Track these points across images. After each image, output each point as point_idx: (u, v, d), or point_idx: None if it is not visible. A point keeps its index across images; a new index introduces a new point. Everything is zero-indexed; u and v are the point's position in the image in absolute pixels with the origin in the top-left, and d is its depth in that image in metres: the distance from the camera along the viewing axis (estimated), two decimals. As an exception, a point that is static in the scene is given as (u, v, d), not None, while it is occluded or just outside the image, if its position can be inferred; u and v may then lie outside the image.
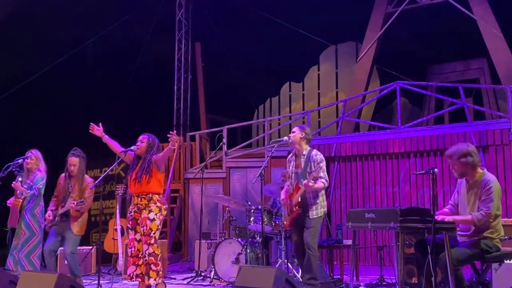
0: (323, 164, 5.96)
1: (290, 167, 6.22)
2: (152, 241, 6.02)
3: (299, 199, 5.98)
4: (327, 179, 5.98)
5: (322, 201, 6.02)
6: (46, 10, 13.43)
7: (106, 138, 6.38)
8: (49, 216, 6.63)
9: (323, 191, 6.06)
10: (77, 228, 6.60)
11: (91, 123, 6.34)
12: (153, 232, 6.03)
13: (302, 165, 6.05)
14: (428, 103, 14.27)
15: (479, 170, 5.10)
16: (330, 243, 7.59)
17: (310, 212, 5.95)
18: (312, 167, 5.94)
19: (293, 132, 6.18)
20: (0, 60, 13.18)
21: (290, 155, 6.31)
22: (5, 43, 13.46)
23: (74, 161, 6.68)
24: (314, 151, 6.10)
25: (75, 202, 6.45)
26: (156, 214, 6.07)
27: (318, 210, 5.97)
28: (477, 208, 4.96)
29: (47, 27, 13.63)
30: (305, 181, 5.85)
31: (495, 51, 11.64)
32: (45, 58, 14.16)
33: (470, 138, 9.11)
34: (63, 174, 6.82)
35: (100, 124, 6.37)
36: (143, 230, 6.03)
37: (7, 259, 7.00)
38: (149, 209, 6.07)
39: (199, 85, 15.08)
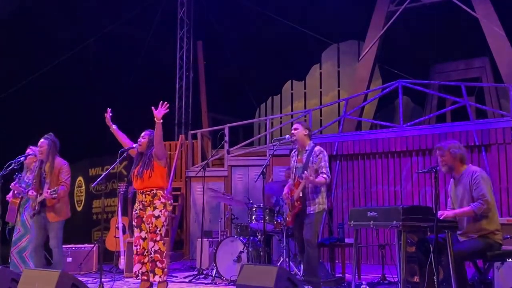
0: (325, 159, 5.98)
1: (292, 162, 6.24)
2: (158, 238, 6.00)
3: (300, 194, 5.99)
4: (329, 175, 5.98)
5: (322, 197, 6.02)
6: (48, 8, 13.44)
7: (113, 128, 6.31)
8: (32, 193, 6.43)
9: (324, 188, 6.06)
10: (51, 215, 6.37)
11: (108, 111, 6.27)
12: (158, 229, 6.01)
13: (304, 160, 6.07)
14: (430, 102, 14.25)
15: (465, 165, 5.21)
16: (332, 241, 7.58)
17: (308, 207, 5.97)
18: (314, 162, 5.97)
19: (296, 129, 6.18)
20: (3, 58, 13.19)
21: (293, 151, 6.34)
22: (7, 42, 13.48)
23: (42, 143, 6.53)
24: (317, 147, 6.12)
25: (49, 191, 6.25)
26: (161, 211, 6.04)
27: (317, 206, 5.97)
28: (471, 198, 5.00)
29: (49, 26, 13.65)
30: (306, 173, 5.87)
31: (497, 50, 11.61)
32: (47, 57, 14.18)
33: (472, 136, 9.09)
34: (36, 163, 6.71)
35: (109, 110, 6.29)
36: (149, 227, 6.00)
37: (9, 257, 7.00)
38: (154, 206, 6.04)
39: (201, 84, 15.08)
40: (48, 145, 6.50)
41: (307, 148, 6.14)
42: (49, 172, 6.44)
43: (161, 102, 5.91)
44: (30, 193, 6.49)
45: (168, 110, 5.99)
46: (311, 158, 6.02)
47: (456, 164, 5.17)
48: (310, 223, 5.94)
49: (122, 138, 6.35)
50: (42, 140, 6.56)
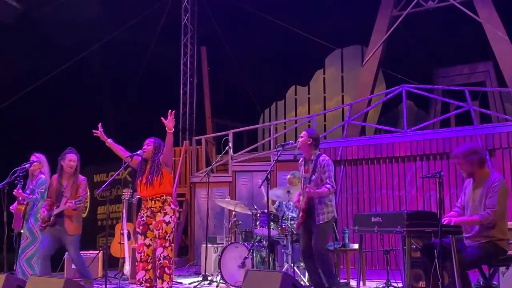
0: (329, 168, 5.93)
1: (301, 171, 6.22)
2: (167, 244, 6.01)
3: (305, 205, 5.97)
4: (333, 185, 5.90)
5: (329, 206, 5.96)
6: (53, 15, 13.50)
7: (109, 142, 6.32)
8: (43, 213, 6.50)
9: (332, 196, 6.03)
10: (71, 227, 6.43)
11: (98, 128, 6.31)
12: (168, 235, 6.02)
13: (310, 170, 6.04)
14: (434, 107, 14.25)
15: (486, 168, 5.12)
16: (336, 247, 7.57)
17: (317, 217, 5.91)
18: (320, 173, 5.93)
19: (301, 137, 6.13)
20: (8, 64, 13.24)
21: (301, 159, 6.29)
22: (12, 48, 13.53)
23: (74, 157, 6.59)
24: (322, 157, 6.03)
25: (73, 201, 6.31)
26: (171, 217, 6.06)
27: (325, 215, 5.91)
28: (484, 206, 4.95)
29: (54, 32, 13.71)
30: (308, 187, 5.85)
31: (501, 54, 11.61)
32: (51, 63, 14.23)
33: (476, 141, 9.08)
34: (55, 175, 6.73)
35: (99, 124, 6.30)
36: (159, 233, 6.00)
37: (15, 264, 7.01)
38: (164, 211, 6.05)
39: (205, 89, 15.10)
40: (78, 161, 6.62)
41: (312, 157, 6.05)
42: (69, 186, 6.52)
43: (170, 110, 5.92)
44: (41, 211, 6.56)
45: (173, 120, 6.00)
46: (316, 169, 5.95)
47: (475, 169, 5.08)
48: (319, 233, 5.90)
49: (120, 150, 6.33)
50: (71, 154, 6.62)
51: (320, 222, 5.90)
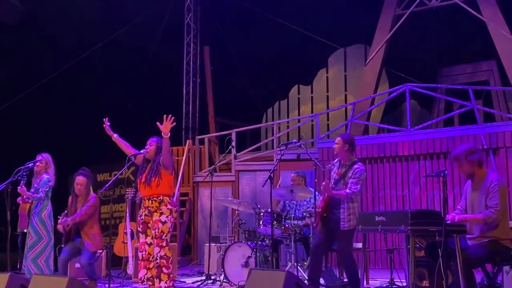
0: (358, 175, 5.85)
1: (332, 173, 6.16)
2: (164, 243, 6.02)
3: (324, 204, 5.93)
4: (354, 191, 5.79)
5: (352, 214, 5.84)
6: (55, 15, 13.52)
7: (114, 137, 6.37)
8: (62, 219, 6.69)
9: (355, 204, 5.89)
10: (89, 245, 6.67)
11: (105, 121, 6.37)
12: (164, 234, 6.03)
13: (341, 173, 5.99)
14: (437, 106, 14.21)
15: (484, 169, 5.17)
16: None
17: (342, 222, 5.83)
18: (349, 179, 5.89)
19: (336, 143, 6.03)
20: (10, 65, 13.27)
21: (335, 161, 6.21)
22: (14, 48, 13.55)
23: (81, 180, 6.78)
24: (358, 165, 5.94)
25: (62, 216, 6.63)
26: (167, 217, 6.07)
27: (350, 222, 5.82)
28: (484, 206, 4.97)
29: (56, 32, 13.73)
30: (326, 181, 5.82)
31: (504, 53, 11.57)
32: (54, 63, 14.25)
33: (480, 140, 9.06)
34: (71, 197, 6.92)
35: (107, 118, 6.36)
36: (155, 232, 6.02)
37: (22, 264, 7.03)
38: (160, 211, 6.06)
39: (208, 89, 15.11)
40: (87, 183, 6.81)
41: (348, 163, 5.99)
42: (80, 207, 6.73)
43: (165, 115, 5.91)
44: (59, 221, 6.73)
45: (174, 123, 5.99)
46: (348, 174, 5.91)
47: (475, 169, 5.12)
48: (345, 240, 5.86)
49: (125, 146, 6.37)
50: (79, 176, 6.80)
51: (345, 228, 5.82)
